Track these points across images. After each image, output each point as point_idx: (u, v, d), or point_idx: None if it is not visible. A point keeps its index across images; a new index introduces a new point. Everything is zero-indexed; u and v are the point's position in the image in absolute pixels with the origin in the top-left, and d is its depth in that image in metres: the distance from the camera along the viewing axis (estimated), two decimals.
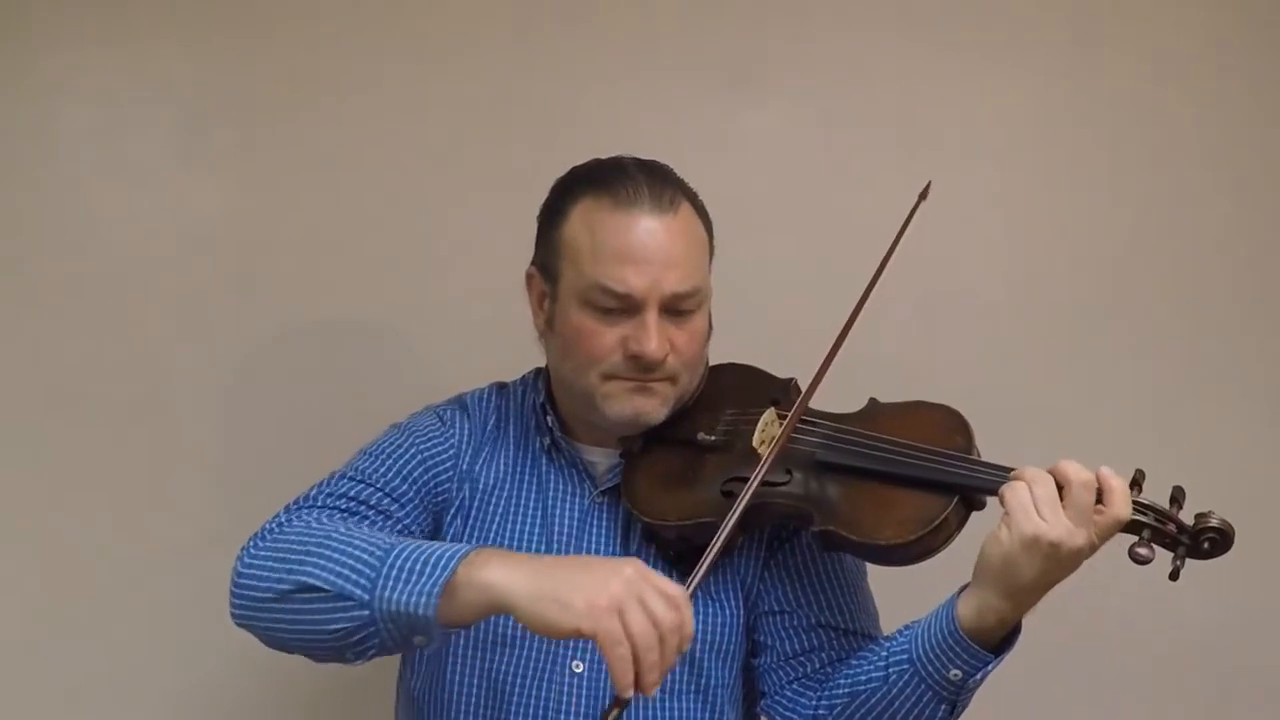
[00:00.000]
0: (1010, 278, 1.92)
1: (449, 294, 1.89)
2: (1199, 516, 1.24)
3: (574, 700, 1.38)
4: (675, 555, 1.40)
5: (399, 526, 1.39)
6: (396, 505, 1.40)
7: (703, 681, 1.41)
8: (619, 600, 1.10)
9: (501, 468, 1.47)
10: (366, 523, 1.36)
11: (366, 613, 1.17)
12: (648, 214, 1.36)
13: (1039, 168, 1.92)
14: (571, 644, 1.39)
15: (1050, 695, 1.91)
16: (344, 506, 1.37)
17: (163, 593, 1.87)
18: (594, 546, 1.43)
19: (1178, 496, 1.26)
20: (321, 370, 1.89)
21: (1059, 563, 1.21)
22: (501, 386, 1.55)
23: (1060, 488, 1.22)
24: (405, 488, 1.42)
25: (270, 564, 1.27)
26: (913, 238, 1.93)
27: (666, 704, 1.40)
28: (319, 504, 1.37)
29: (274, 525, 1.33)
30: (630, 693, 1.10)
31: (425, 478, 1.44)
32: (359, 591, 1.18)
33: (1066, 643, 1.90)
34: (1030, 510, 1.21)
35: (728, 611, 1.42)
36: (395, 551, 1.19)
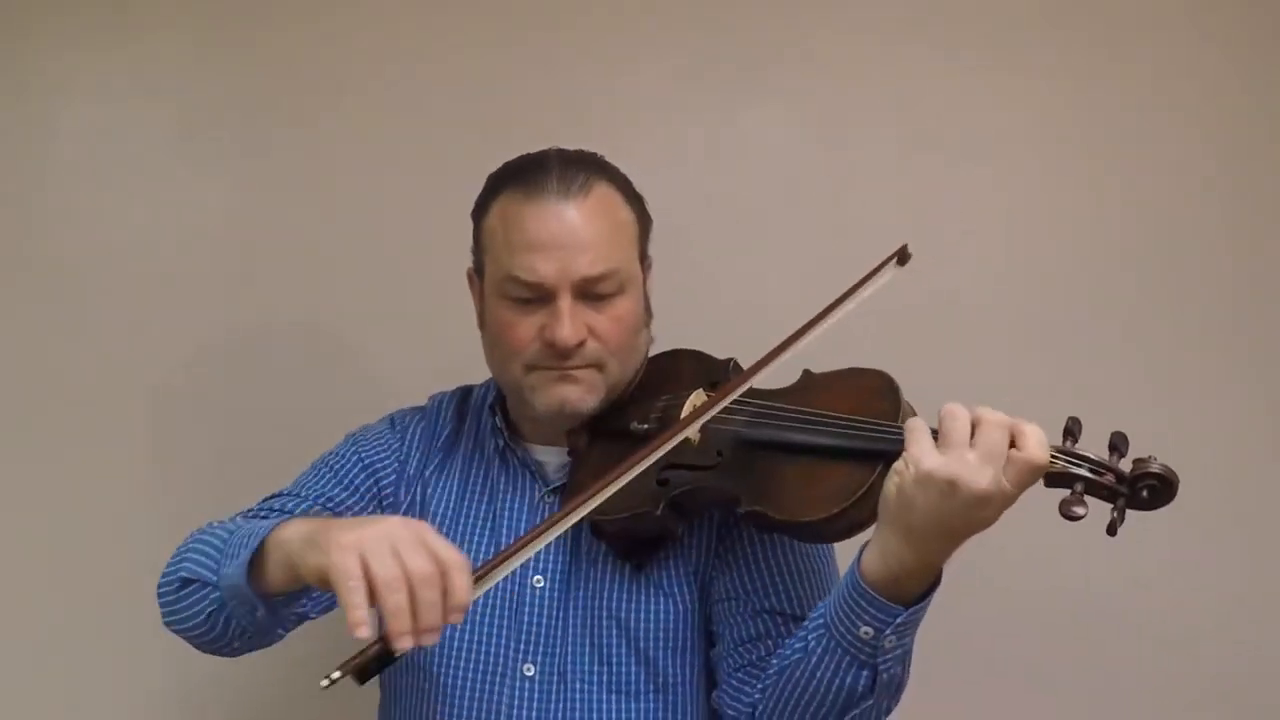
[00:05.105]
0: (1011, 278, 1.91)
1: (450, 294, 1.88)
2: (1138, 462, 1.12)
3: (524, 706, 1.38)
4: (623, 550, 1.37)
5: None
6: (326, 514, 1.42)
7: (660, 680, 1.38)
8: (364, 543, 1.09)
9: (454, 475, 1.47)
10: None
11: (218, 594, 1.26)
12: (554, 200, 1.34)
13: (1040, 167, 1.91)
14: (522, 651, 1.38)
15: (1034, 694, 1.90)
16: (261, 515, 1.42)
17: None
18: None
19: (1118, 444, 1.14)
20: (321, 369, 1.89)
21: (960, 506, 1.10)
22: (469, 390, 1.55)
23: (972, 427, 1.11)
24: (343, 495, 1.45)
25: (170, 565, 1.36)
26: (912, 237, 1.93)
27: (624, 705, 1.37)
28: (244, 514, 1.42)
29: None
30: (392, 644, 1.08)
31: (368, 483, 1.47)
32: (210, 575, 1.27)
33: (1048, 640, 1.90)
34: (928, 444, 1.12)
35: (681, 605, 1.38)
36: (238, 533, 1.26)
